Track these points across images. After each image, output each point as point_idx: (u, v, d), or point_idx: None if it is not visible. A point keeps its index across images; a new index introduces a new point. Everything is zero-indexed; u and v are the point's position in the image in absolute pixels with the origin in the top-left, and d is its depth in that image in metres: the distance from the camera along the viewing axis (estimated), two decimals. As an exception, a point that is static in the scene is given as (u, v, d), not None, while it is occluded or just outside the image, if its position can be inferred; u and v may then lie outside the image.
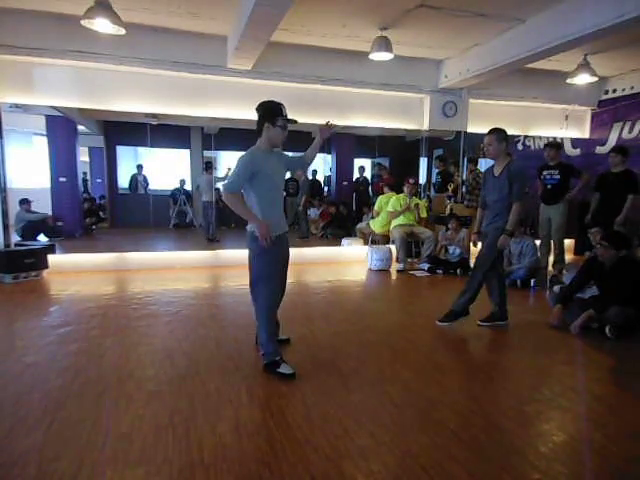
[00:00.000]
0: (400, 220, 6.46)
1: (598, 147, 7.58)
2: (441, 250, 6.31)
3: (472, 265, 3.93)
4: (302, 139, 9.62)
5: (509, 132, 3.70)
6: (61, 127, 7.77)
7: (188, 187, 9.94)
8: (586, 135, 7.81)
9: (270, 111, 2.70)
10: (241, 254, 6.45)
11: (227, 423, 2.22)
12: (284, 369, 2.74)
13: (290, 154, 3.15)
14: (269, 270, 2.77)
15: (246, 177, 2.63)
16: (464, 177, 7.28)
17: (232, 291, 5.07)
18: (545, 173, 5.68)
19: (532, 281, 5.09)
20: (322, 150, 11.05)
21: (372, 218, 7.16)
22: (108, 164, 9.76)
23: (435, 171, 8.19)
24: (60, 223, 7.88)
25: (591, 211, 5.27)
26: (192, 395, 2.50)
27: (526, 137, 8.59)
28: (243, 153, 2.70)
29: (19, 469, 1.86)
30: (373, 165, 11.01)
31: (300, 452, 1.99)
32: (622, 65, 6.61)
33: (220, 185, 7.92)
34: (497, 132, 3.58)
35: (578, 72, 5.87)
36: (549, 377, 2.91)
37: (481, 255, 3.73)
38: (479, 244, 3.88)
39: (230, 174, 2.70)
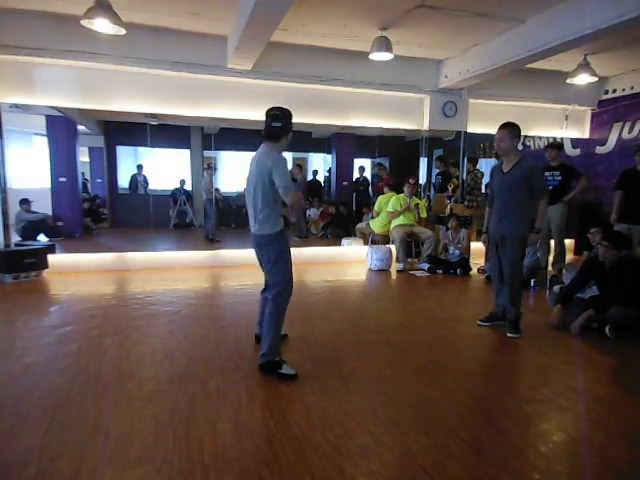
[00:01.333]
0: (400, 220, 6.46)
1: (598, 147, 7.57)
2: (442, 250, 6.31)
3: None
4: (302, 139, 9.68)
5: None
6: (61, 127, 7.76)
7: (188, 187, 9.94)
8: (586, 135, 7.80)
9: (291, 120, 2.85)
10: (241, 254, 6.48)
11: (227, 423, 2.22)
12: (286, 370, 2.74)
13: (291, 154, 3.20)
14: (291, 265, 2.85)
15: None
16: (464, 177, 7.28)
17: (232, 291, 5.05)
18: (547, 174, 5.66)
19: (532, 281, 5.09)
20: (322, 150, 11.13)
21: (372, 218, 7.16)
22: (108, 164, 9.76)
23: (435, 171, 8.19)
24: (60, 223, 7.88)
25: (616, 209, 5.25)
26: (192, 395, 2.50)
27: (526, 137, 8.58)
28: (279, 155, 2.76)
29: (19, 469, 1.85)
30: (373, 165, 11.00)
31: (300, 452, 1.99)
32: (622, 65, 6.61)
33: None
34: (510, 127, 3.46)
35: (578, 72, 5.86)
36: (549, 377, 2.91)
37: (509, 270, 3.56)
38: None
39: (283, 179, 2.67)
